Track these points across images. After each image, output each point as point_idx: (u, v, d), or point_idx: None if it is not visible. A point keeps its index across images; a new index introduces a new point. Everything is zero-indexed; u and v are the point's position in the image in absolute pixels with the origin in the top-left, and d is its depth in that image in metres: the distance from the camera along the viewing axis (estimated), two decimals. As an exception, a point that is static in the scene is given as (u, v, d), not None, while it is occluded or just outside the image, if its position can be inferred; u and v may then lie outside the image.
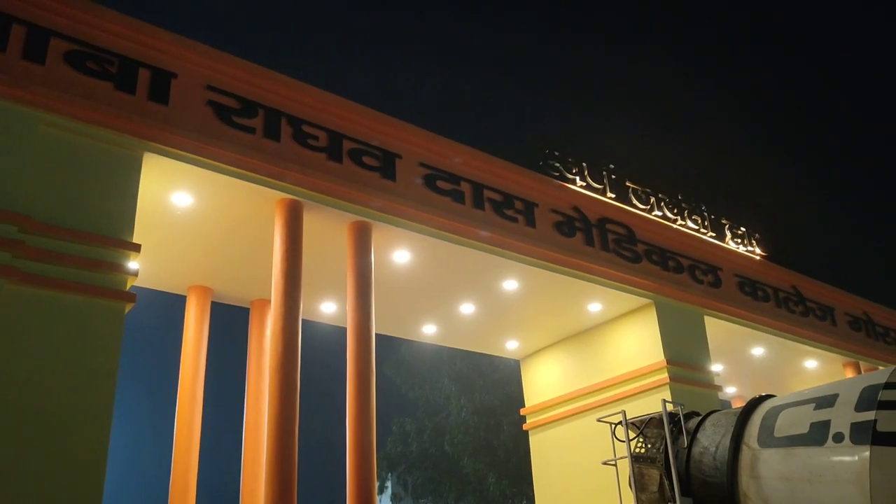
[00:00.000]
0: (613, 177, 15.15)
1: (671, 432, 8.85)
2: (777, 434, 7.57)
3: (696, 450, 8.64)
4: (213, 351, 12.95)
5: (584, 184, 14.58)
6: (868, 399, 6.84)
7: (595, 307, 14.97)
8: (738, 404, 18.35)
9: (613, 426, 9.69)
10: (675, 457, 8.64)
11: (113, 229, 8.74)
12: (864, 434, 6.58)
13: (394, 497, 34.57)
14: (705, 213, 16.81)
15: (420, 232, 11.71)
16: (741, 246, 17.38)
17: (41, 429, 7.58)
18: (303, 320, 10.58)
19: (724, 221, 17.25)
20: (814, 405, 7.40)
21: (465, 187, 12.48)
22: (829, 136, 47.70)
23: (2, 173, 8.18)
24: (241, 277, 12.82)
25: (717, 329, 15.80)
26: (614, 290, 14.21)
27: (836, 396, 7.30)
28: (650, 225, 15.41)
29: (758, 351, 17.81)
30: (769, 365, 18.65)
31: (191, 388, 12.32)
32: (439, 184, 12.15)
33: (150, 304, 13.02)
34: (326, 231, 11.31)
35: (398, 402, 31.45)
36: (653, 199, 15.77)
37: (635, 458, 9.14)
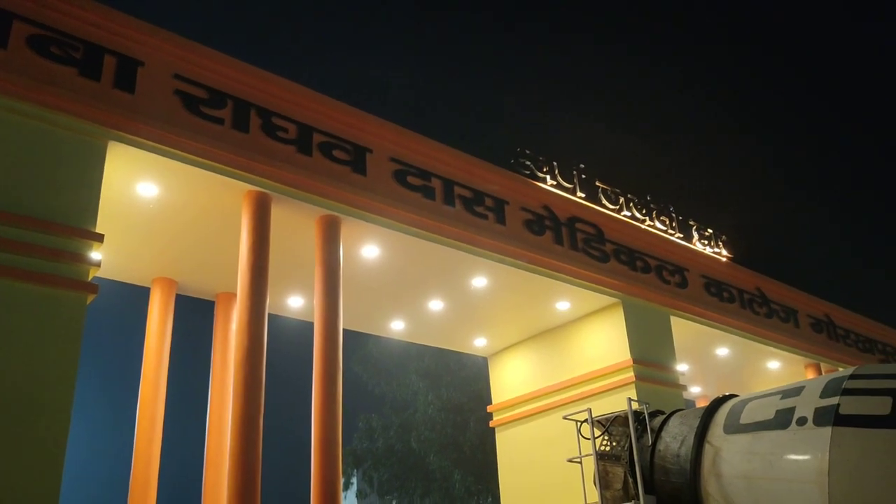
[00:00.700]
0: (584, 176, 15.24)
1: (636, 430, 8.91)
2: (743, 421, 7.70)
3: (660, 448, 8.70)
4: (176, 344, 12.77)
5: (555, 183, 14.64)
6: (833, 388, 6.95)
7: (563, 305, 15.04)
8: (702, 404, 18.56)
9: (579, 424, 9.73)
10: (640, 455, 8.71)
11: (75, 219, 8.56)
12: (827, 417, 6.65)
13: (359, 493, 34.48)
14: (673, 214, 16.98)
15: (390, 227, 11.65)
16: (708, 247, 17.58)
17: (0, 418, 7.41)
18: (269, 315, 10.48)
19: (691, 223, 17.43)
20: (780, 396, 7.55)
21: (436, 183, 12.44)
22: (800, 140, 48.48)
23: (-41, 159, 7.98)
24: (206, 270, 12.65)
25: (682, 329, 15.97)
26: (582, 289, 14.29)
27: (802, 388, 7.45)
28: (619, 225, 15.52)
29: (722, 351, 18.04)
30: (733, 365, 18.91)
31: (153, 380, 12.13)
32: (410, 179, 12.09)
33: (114, 295, 12.79)
34: (294, 224, 11.20)
35: (365, 398, 31.34)
36: (622, 200, 15.89)
37: (600, 456, 9.19)
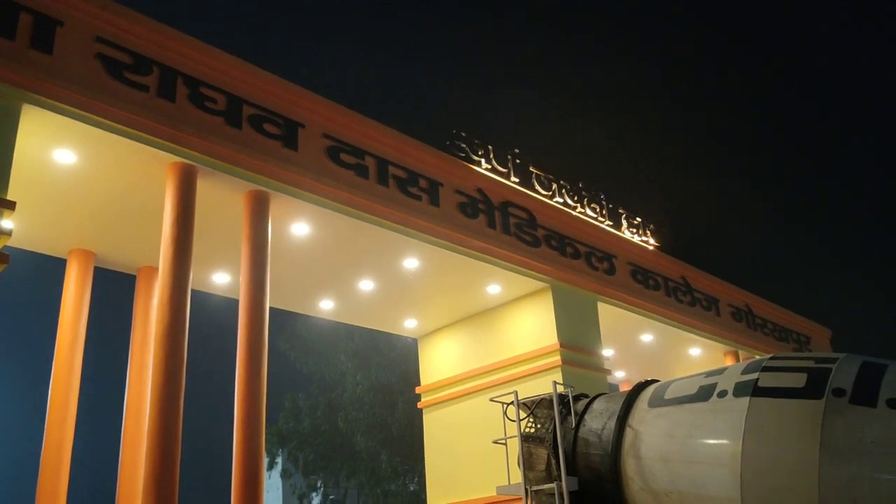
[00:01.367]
0: (518, 161, 15.29)
1: (560, 413, 9.01)
2: (667, 397, 8.00)
3: (583, 430, 8.83)
4: (94, 319, 12.27)
5: (490, 166, 14.64)
6: (753, 367, 7.35)
7: (494, 289, 15.11)
8: (625, 388, 19.00)
9: (505, 406, 9.79)
10: (563, 437, 8.82)
11: (-16, 184, 8.09)
12: (747, 389, 7.00)
13: (284, 473, 34.15)
14: (604, 202, 17.23)
15: (321, 205, 11.44)
16: (636, 236, 17.92)
17: None
18: (194, 291, 10.19)
19: (621, 211, 17.73)
20: (704, 376, 7.90)
21: (370, 162, 12.27)
22: (728, 132, 49.88)
23: None
24: (127, 243, 12.19)
25: (609, 315, 16.27)
26: (513, 273, 14.38)
27: (725, 369, 7.86)
28: (551, 211, 15.65)
29: (646, 337, 18.48)
30: (656, 351, 19.41)
31: (68, 356, 11.64)
32: (343, 157, 11.89)
33: (27, 266, 12.20)
34: (222, 199, 10.89)
35: (292, 378, 31.02)
36: (555, 186, 16.02)
37: (525, 438, 9.27)
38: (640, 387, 8.73)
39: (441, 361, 16.86)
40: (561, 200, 16.03)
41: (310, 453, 30.16)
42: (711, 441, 7.11)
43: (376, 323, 17.07)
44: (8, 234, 8.32)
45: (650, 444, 7.87)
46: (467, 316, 16.44)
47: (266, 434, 11.80)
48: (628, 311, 16.71)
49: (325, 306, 15.45)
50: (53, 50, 9.01)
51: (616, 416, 8.43)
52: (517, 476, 9.34)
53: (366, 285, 14.47)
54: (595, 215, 16.85)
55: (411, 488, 29.27)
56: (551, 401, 9.23)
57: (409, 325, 16.87)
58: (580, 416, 9.00)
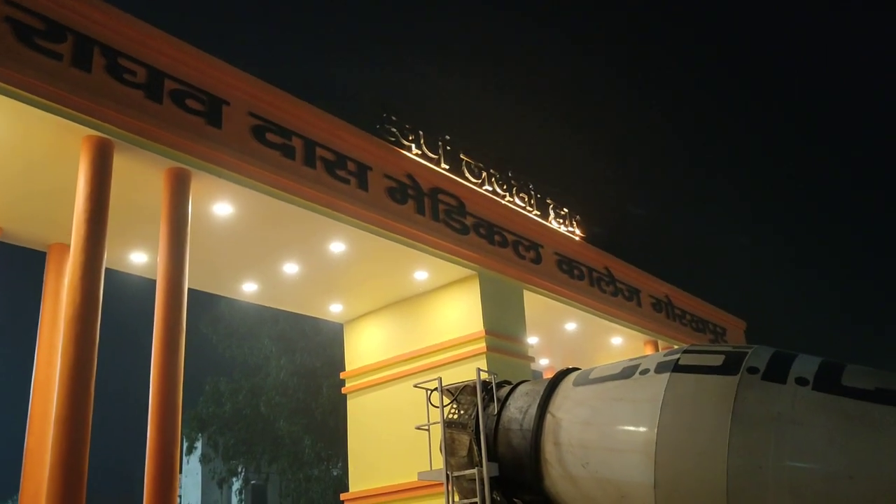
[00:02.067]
0: (448, 148, 15.25)
1: (483, 400, 9.06)
2: (591, 377, 8.35)
3: (505, 417, 8.91)
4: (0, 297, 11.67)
5: (420, 152, 14.55)
6: (675, 351, 7.87)
7: (421, 275, 15.06)
8: (548, 375, 19.28)
9: (429, 392, 9.79)
10: (485, 423, 8.88)
11: None
12: (668, 366, 7.48)
13: (203, 458, 33.51)
14: (532, 192, 17.39)
15: (244, 185, 11.14)
16: (562, 226, 18.16)
17: None
18: (109, 270, 9.80)
19: (548, 201, 17.93)
20: (628, 360, 8.29)
21: (297, 143, 12.01)
22: (654, 127, 51.09)
23: None
24: (37, 218, 11.60)
25: (534, 303, 16.45)
26: (441, 260, 14.37)
27: (649, 355, 8.45)
28: (480, 199, 15.69)
29: (570, 326, 18.79)
30: (579, 339, 19.77)
31: (-30, 337, 11.05)
32: (269, 136, 11.60)
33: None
34: (140, 175, 10.47)
35: (214, 361, 30.35)
36: (484, 174, 16.07)
37: (448, 424, 9.29)
38: (562, 374, 8.87)
39: (366, 347, 16.75)
40: (490, 189, 16.09)
41: (230, 438, 29.62)
42: (629, 417, 7.53)
43: (301, 307, 16.81)
44: None
45: (569, 431, 8.00)
46: (394, 302, 16.35)
47: (184, 418, 11.48)
48: (553, 299, 16.93)
49: (249, 289, 15.11)
50: (-43, 10, 8.47)
51: (537, 403, 8.54)
52: (439, 462, 9.36)
53: (291, 268, 14.21)
54: (523, 205, 16.99)
55: (334, 473, 29.09)
56: (475, 387, 9.27)
57: (335, 309, 16.67)
58: (502, 403, 9.08)
